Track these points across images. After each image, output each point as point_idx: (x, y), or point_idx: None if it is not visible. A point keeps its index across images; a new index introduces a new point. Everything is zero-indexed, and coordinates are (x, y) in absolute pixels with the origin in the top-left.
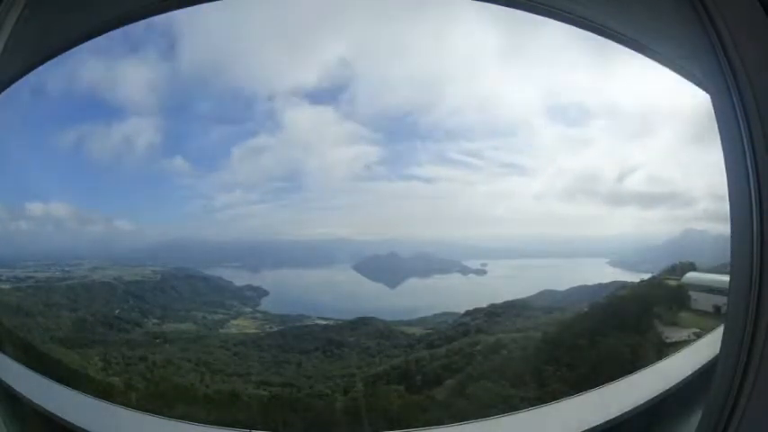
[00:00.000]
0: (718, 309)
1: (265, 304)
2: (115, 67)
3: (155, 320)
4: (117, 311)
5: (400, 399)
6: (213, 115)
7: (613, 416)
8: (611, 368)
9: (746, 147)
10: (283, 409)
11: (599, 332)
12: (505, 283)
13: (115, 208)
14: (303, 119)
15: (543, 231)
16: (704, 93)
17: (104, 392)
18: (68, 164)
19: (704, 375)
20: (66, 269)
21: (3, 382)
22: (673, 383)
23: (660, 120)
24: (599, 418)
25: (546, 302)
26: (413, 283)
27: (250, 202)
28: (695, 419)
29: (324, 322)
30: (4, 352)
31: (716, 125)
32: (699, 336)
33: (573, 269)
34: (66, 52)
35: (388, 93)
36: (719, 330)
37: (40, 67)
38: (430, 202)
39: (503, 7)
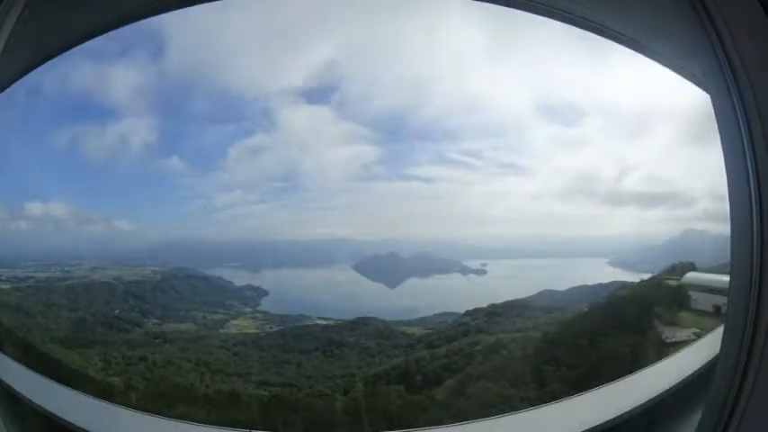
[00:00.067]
0: (718, 309)
1: (265, 304)
2: (112, 68)
3: (155, 320)
4: (117, 311)
5: (400, 399)
6: (211, 115)
7: (613, 416)
8: (611, 368)
9: (746, 147)
10: (283, 409)
11: (599, 332)
12: (505, 283)
13: (115, 208)
14: (300, 118)
15: (543, 231)
16: (704, 92)
17: (104, 392)
18: (68, 164)
19: (704, 375)
20: (66, 269)
21: (3, 382)
22: (673, 383)
23: (660, 119)
24: (599, 418)
25: (546, 302)
26: (413, 283)
27: (250, 202)
28: (695, 419)
29: (324, 322)
30: (4, 352)
31: (716, 125)
32: (699, 336)
33: (573, 269)
34: (64, 53)
35: (384, 92)
36: (719, 330)
37: (39, 68)
38: (430, 202)
39: (502, 7)
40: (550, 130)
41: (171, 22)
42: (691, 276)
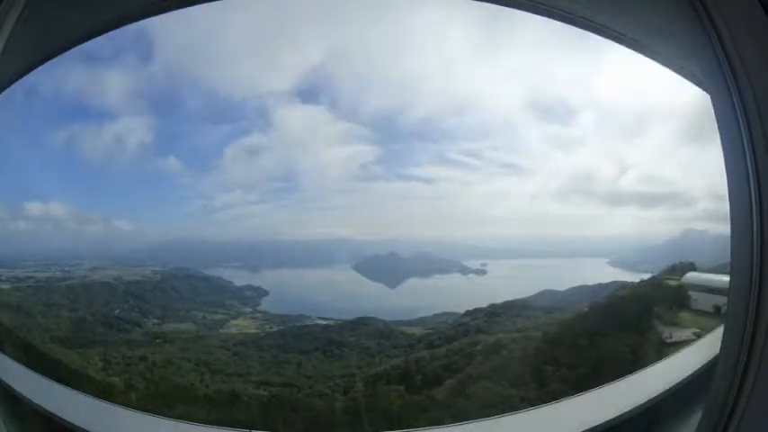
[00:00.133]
0: (718, 309)
1: (265, 304)
2: (111, 68)
3: (155, 320)
4: (117, 311)
5: (400, 399)
6: (211, 115)
7: (613, 416)
8: (611, 368)
9: (746, 147)
10: (283, 409)
11: (599, 332)
12: (505, 283)
13: (115, 208)
14: (299, 118)
15: (543, 231)
16: (704, 92)
17: (104, 392)
18: (68, 164)
19: (704, 375)
20: (67, 269)
21: (3, 382)
22: (673, 383)
23: (660, 119)
24: (599, 418)
25: (546, 302)
26: (413, 283)
27: (249, 202)
28: (695, 419)
29: (324, 322)
30: (4, 352)
31: (716, 125)
32: (699, 336)
33: (573, 269)
34: (64, 53)
35: (384, 92)
36: (719, 330)
37: (39, 68)
38: (429, 203)
39: (502, 7)
40: (550, 130)
41: (170, 22)
42: (691, 276)
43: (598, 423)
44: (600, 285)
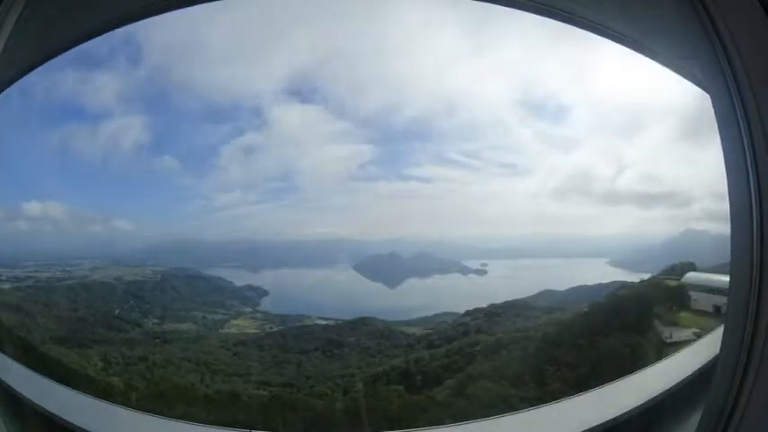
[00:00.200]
0: (718, 309)
1: (265, 304)
2: (111, 68)
3: (155, 320)
4: (117, 311)
5: (400, 399)
6: (209, 116)
7: (613, 416)
8: (611, 368)
9: (746, 147)
10: (283, 409)
11: (599, 332)
12: (505, 283)
13: (115, 208)
14: (294, 118)
15: (543, 231)
16: (704, 93)
17: (104, 392)
18: (67, 164)
19: (704, 375)
20: (67, 269)
21: (3, 382)
22: (673, 383)
23: (660, 120)
24: (599, 418)
25: (546, 302)
26: (413, 283)
27: (249, 202)
28: (695, 419)
29: (324, 322)
30: (4, 352)
31: (716, 125)
32: (699, 336)
33: (573, 269)
34: (63, 53)
35: (383, 92)
36: (719, 330)
37: (39, 68)
38: (429, 203)
39: (502, 7)
40: (550, 131)
41: (168, 22)
42: (691, 276)
43: (598, 423)
44: (600, 285)
